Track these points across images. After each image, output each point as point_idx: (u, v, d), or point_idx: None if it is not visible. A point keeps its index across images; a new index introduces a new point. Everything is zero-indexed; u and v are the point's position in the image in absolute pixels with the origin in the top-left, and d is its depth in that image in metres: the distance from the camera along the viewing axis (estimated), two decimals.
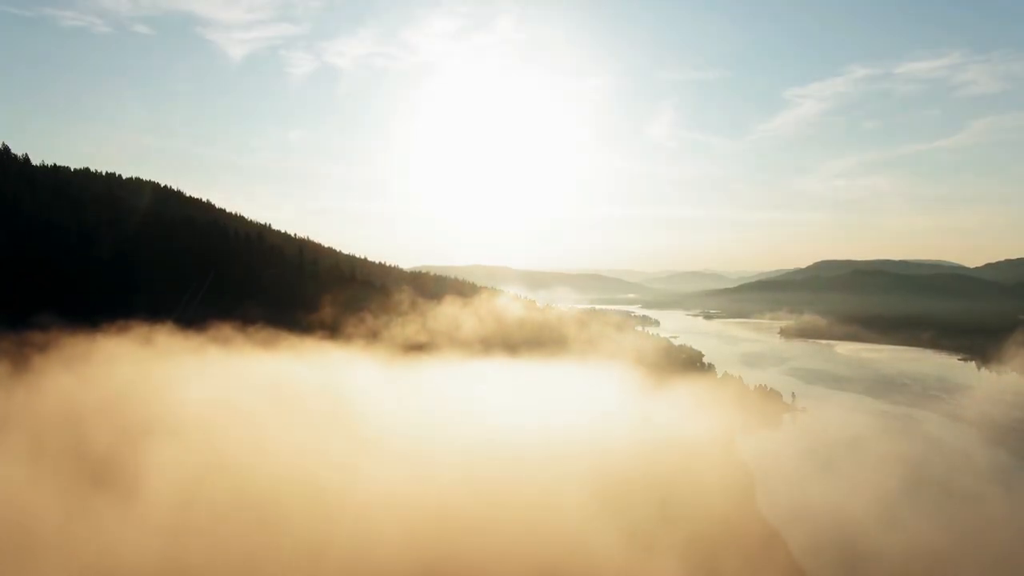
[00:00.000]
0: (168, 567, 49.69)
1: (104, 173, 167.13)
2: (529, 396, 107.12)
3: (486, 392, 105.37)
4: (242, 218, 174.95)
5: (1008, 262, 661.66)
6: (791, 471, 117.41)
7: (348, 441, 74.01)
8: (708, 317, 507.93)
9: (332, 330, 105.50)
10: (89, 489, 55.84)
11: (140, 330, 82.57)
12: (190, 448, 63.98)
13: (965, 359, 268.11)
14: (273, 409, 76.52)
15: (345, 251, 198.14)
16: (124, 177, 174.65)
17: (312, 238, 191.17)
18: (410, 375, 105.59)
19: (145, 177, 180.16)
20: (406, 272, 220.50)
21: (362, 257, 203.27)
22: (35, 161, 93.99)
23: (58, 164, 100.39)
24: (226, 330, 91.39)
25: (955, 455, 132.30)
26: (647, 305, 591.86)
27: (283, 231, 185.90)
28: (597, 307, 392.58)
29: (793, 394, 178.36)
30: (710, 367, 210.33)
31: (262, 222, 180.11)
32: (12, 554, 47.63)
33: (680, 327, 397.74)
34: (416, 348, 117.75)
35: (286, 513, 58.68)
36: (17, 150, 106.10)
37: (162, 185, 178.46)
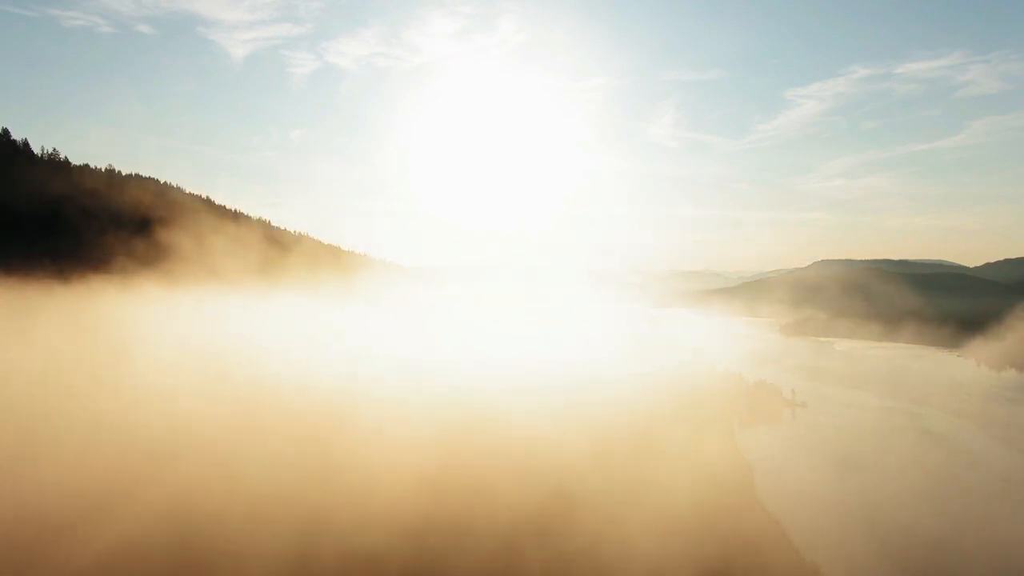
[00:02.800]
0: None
1: (104, 169, 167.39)
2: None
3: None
4: (240, 213, 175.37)
5: (1007, 261, 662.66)
6: (789, 462, 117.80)
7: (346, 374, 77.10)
8: (708, 315, 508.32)
9: (334, 299, 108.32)
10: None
11: (135, 285, 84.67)
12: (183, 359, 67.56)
13: (964, 356, 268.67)
14: (268, 342, 79.50)
15: (345, 248, 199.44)
16: (124, 174, 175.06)
17: (311, 234, 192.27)
18: (412, 330, 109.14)
19: (145, 175, 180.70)
20: (406, 269, 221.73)
21: (362, 254, 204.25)
22: (36, 151, 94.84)
23: (58, 151, 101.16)
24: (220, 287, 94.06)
25: (952, 448, 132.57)
26: (646, 304, 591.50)
27: (282, 228, 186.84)
28: None
29: (793, 390, 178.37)
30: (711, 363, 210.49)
31: (262, 218, 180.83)
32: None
33: (680, 324, 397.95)
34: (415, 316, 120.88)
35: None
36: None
37: (162, 182, 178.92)
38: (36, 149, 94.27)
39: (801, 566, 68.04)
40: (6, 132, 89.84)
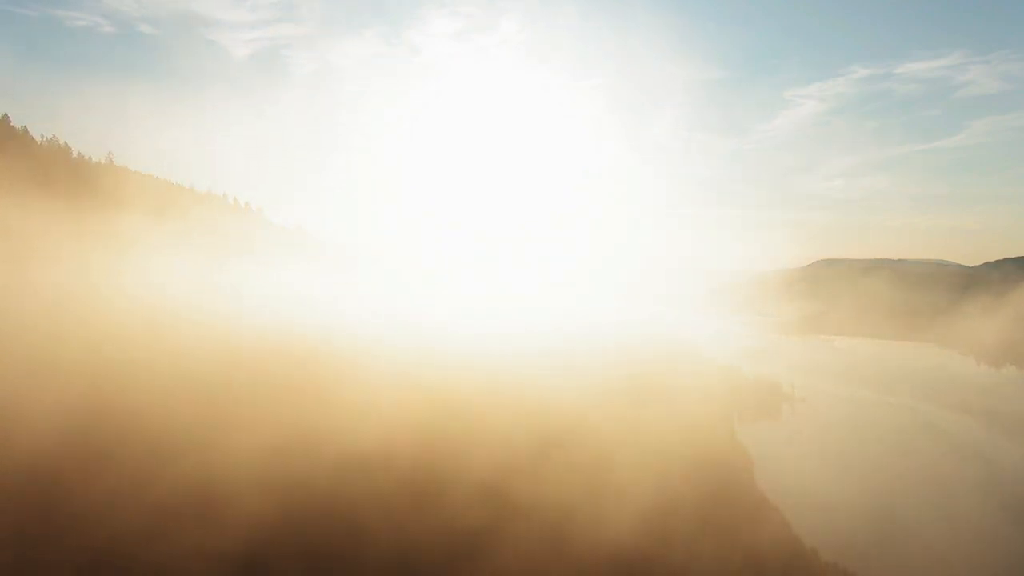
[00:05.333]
0: None
1: (102, 163, 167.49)
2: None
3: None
4: (239, 205, 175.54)
5: (1007, 261, 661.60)
6: (786, 451, 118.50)
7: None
8: (707, 313, 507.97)
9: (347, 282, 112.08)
10: None
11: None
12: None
13: (963, 353, 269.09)
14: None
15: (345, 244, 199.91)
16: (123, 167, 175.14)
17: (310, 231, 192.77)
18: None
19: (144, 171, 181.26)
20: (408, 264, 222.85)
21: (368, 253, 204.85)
22: (36, 138, 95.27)
23: (57, 137, 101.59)
24: None
25: (950, 441, 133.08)
26: (644, 301, 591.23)
27: (280, 223, 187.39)
28: None
29: (792, 385, 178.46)
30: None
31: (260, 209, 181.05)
32: None
33: (680, 324, 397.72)
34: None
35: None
36: None
37: (159, 178, 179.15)
38: (36, 137, 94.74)
39: (799, 549, 68.34)
40: (6, 118, 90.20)
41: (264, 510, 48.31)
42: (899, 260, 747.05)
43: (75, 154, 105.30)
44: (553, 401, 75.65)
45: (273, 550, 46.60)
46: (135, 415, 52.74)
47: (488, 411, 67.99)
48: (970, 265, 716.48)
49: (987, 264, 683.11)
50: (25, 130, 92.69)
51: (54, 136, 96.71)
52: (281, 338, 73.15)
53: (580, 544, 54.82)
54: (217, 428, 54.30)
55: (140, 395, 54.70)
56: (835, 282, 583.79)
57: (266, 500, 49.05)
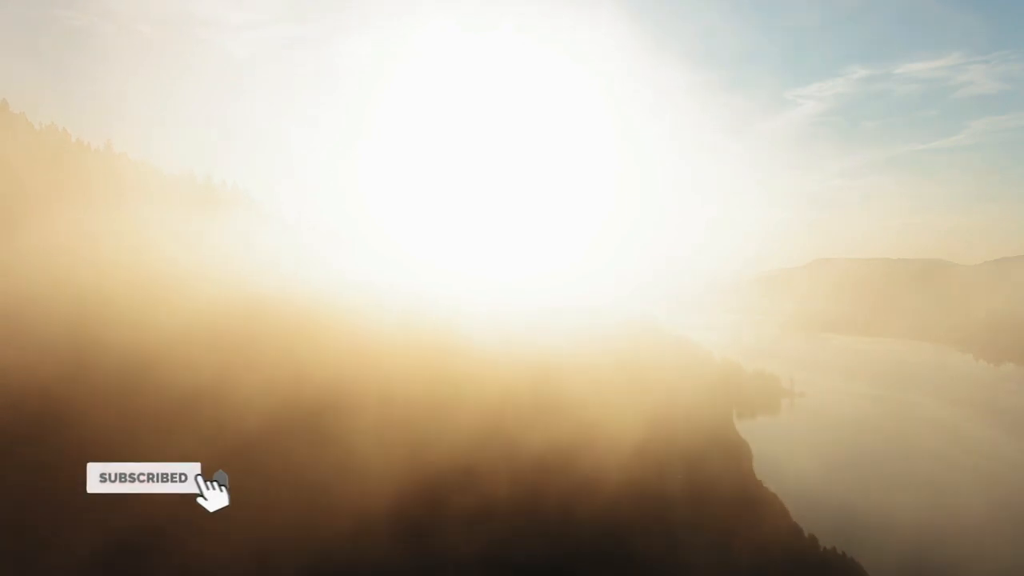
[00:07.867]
0: None
1: (100, 150, 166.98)
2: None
3: None
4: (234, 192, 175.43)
5: (1005, 260, 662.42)
6: (784, 443, 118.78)
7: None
8: (706, 312, 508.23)
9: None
10: None
11: None
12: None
13: (963, 351, 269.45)
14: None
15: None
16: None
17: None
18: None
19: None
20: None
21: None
22: (36, 125, 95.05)
23: (55, 124, 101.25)
24: None
25: (949, 435, 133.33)
26: (643, 300, 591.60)
27: (280, 218, 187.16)
28: None
29: (792, 380, 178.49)
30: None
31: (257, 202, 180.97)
32: None
33: (678, 321, 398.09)
34: None
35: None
36: None
37: (159, 168, 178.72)
38: (36, 125, 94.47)
39: (797, 535, 68.24)
40: (5, 103, 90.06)
41: (252, 438, 48.39)
42: (898, 259, 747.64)
43: (74, 139, 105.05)
44: (550, 367, 75.97)
45: (261, 478, 46.66)
46: (129, 352, 52.72)
47: (485, 373, 68.31)
48: (969, 264, 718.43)
49: (986, 263, 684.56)
50: (24, 115, 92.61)
51: (52, 122, 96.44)
52: (283, 296, 73.60)
53: (569, 484, 55.18)
54: (212, 358, 54.44)
55: (139, 339, 54.66)
56: (834, 281, 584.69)
57: (254, 427, 49.15)
